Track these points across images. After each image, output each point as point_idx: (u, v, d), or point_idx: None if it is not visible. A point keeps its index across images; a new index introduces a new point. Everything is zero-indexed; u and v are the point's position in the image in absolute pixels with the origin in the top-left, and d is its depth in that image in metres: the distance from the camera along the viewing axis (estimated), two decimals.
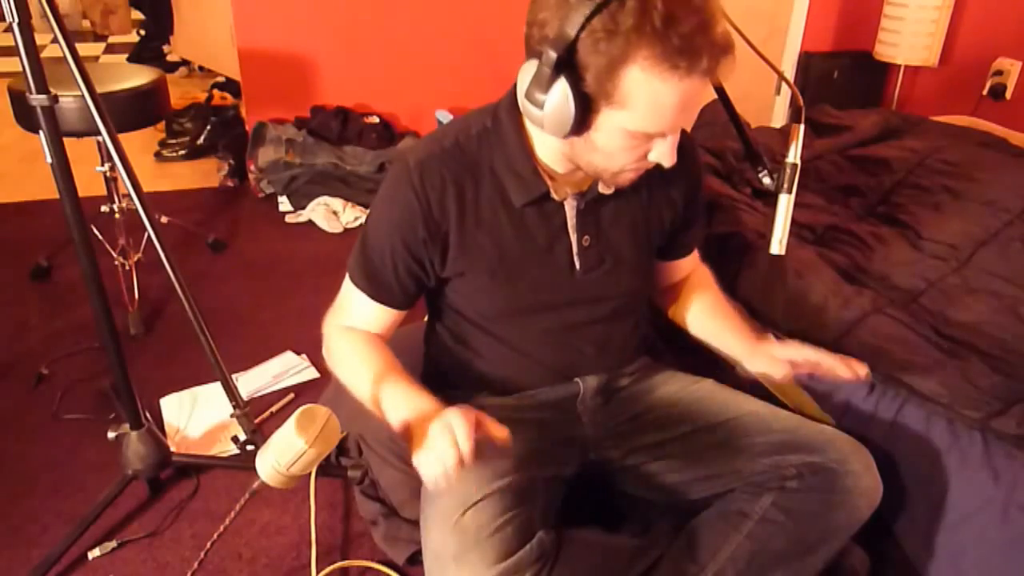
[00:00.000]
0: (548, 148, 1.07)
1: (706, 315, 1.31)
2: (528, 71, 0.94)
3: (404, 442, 1.01)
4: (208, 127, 3.35)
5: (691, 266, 1.38)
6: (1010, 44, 3.15)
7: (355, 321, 1.20)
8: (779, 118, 3.82)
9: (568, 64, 0.89)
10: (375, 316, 1.18)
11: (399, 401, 1.06)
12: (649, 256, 1.25)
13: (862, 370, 1.11)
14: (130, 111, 2.08)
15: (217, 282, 2.38)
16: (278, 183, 2.88)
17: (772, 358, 1.15)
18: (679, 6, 0.85)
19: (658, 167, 1.02)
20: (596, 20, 0.86)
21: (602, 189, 1.11)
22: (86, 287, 1.26)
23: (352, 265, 1.17)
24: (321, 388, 1.81)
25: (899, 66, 3.39)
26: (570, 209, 1.13)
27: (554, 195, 1.11)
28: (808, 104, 1.27)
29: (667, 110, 0.91)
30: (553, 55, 0.88)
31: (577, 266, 1.15)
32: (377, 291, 1.16)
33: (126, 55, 4.48)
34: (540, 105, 0.93)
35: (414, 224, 1.09)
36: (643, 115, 0.91)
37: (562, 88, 0.90)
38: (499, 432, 0.95)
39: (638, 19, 0.84)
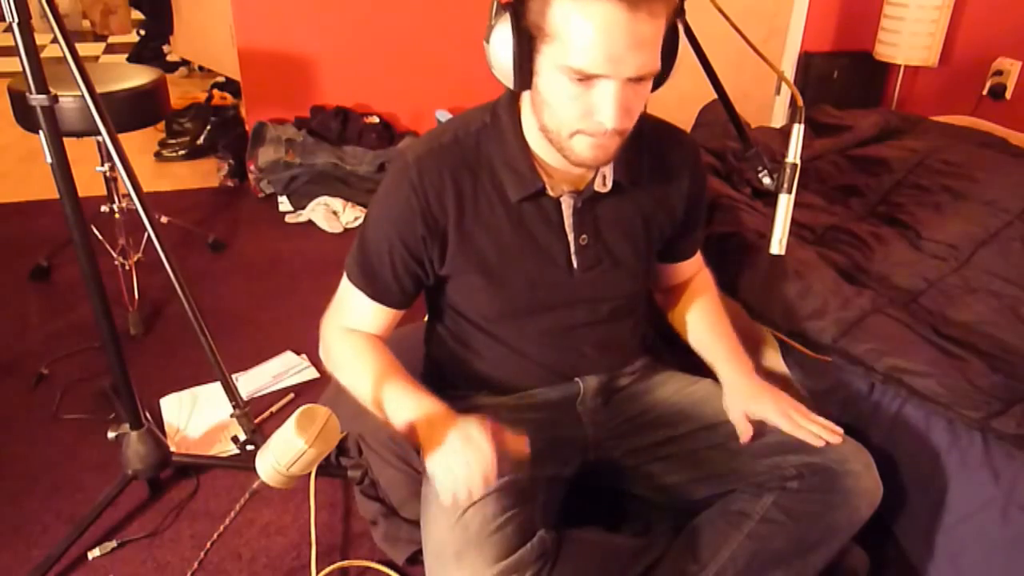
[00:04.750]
0: (540, 139, 1.06)
1: (702, 330, 1.31)
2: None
3: (409, 443, 1.01)
4: (208, 127, 3.35)
5: (693, 269, 1.37)
6: (1010, 44, 3.14)
7: (353, 321, 1.20)
8: (779, 118, 3.82)
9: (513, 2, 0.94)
10: (373, 316, 1.18)
11: (404, 402, 1.06)
12: (647, 258, 1.25)
13: (835, 439, 1.12)
14: (130, 111, 2.08)
15: (217, 282, 2.38)
16: (278, 183, 2.88)
17: (742, 418, 1.16)
18: None
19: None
20: None
21: (598, 187, 1.11)
22: (86, 287, 1.26)
23: (350, 264, 1.17)
24: (321, 388, 1.81)
25: (899, 66, 3.39)
26: (567, 207, 1.13)
27: (550, 192, 1.11)
28: (808, 104, 1.27)
29: (590, 37, 0.90)
30: None
31: (575, 265, 1.15)
32: (376, 290, 1.16)
33: (126, 55, 4.48)
34: (490, 42, 0.97)
35: (413, 221, 1.09)
36: (569, 44, 0.92)
37: (506, 24, 0.95)
38: (518, 446, 0.97)
39: None
